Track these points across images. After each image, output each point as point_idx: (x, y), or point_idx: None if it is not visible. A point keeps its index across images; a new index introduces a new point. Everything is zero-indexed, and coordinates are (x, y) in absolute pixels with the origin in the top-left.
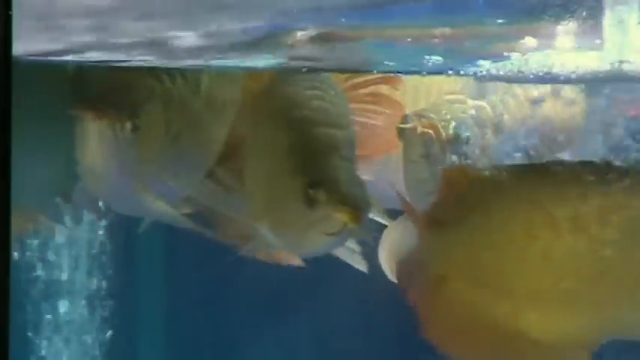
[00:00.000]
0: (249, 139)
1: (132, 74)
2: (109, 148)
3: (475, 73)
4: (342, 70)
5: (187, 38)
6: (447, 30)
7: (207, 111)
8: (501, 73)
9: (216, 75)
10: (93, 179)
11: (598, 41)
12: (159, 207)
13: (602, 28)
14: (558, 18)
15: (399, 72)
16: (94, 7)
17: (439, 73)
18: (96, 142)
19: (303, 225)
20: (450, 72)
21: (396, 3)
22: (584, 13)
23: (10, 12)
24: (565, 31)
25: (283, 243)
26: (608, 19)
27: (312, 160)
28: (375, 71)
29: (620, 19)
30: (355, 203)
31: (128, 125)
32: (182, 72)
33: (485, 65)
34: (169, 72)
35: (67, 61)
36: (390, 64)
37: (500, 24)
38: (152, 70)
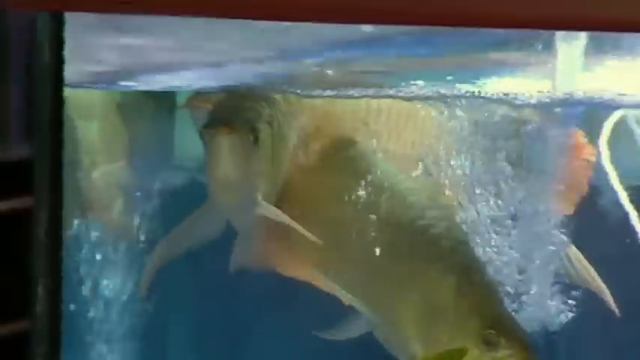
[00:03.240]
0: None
1: (239, 98)
2: (239, 157)
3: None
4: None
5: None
6: (425, 60)
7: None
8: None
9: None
10: (224, 187)
11: (550, 69)
12: (270, 212)
13: (555, 59)
14: (518, 50)
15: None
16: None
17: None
18: (227, 153)
19: None
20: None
21: (387, 38)
22: (539, 47)
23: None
24: (524, 61)
25: None
26: (559, 52)
27: (484, 301)
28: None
29: (569, 53)
30: (528, 344)
31: (251, 138)
32: (282, 98)
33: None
34: (268, 98)
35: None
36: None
37: (471, 54)
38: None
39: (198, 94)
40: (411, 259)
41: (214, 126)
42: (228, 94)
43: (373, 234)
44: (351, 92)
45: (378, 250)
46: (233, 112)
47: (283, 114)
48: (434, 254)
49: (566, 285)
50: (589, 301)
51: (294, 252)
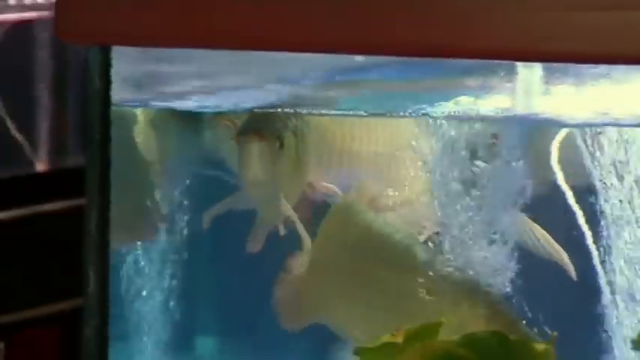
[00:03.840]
0: None
1: (268, 114)
2: (267, 161)
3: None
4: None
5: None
6: (407, 84)
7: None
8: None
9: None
10: (255, 186)
11: (511, 91)
12: (285, 209)
13: (515, 83)
14: (484, 75)
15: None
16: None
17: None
18: (257, 157)
19: None
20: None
21: (378, 65)
22: (502, 73)
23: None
24: (489, 85)
25: None
26: (519, 78)
27: (510, 324)
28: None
29: (527, 79)
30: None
31: (278, 144)
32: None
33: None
34: (293, 114)
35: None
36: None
37: (443, 79)
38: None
39: (229, 114)
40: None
41: (247, 134)
42: (260, 110)
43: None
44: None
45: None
46: (263, 123)
47: (307, 127)
48: (461, 292)
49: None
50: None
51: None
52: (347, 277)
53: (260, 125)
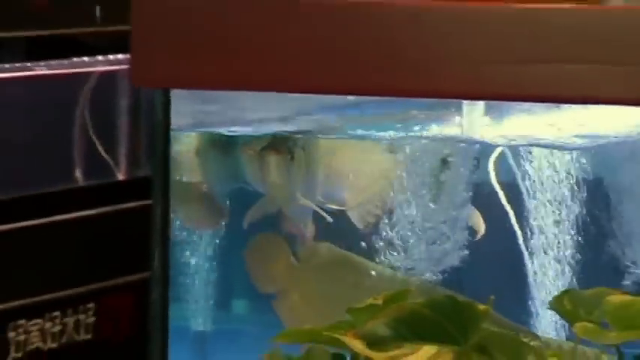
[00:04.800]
0: None
1: (284, 136)
2: (282, 169)
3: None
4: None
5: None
6: (384, 117)
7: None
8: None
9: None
10: (275, 188)
11: (459, 121)
12: (304, 202)
13: (462, 115)
14: (443, 108)
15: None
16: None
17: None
18: (274, 167)
19: None
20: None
21: (367, 102)
22: (453, 109)
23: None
24: (444, 117)
25: None
26: (464, 110)
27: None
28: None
29: (471, 112)
30: None
31: (289, 157)
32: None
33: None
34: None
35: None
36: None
37: (412, 112)
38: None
39: (257, 138)
40: None
41: (267, 150)
42: (279, 134)
43: None
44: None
45: None
46: (278, 143)
47: (313, 145)
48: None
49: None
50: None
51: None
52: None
53: (276, 144)
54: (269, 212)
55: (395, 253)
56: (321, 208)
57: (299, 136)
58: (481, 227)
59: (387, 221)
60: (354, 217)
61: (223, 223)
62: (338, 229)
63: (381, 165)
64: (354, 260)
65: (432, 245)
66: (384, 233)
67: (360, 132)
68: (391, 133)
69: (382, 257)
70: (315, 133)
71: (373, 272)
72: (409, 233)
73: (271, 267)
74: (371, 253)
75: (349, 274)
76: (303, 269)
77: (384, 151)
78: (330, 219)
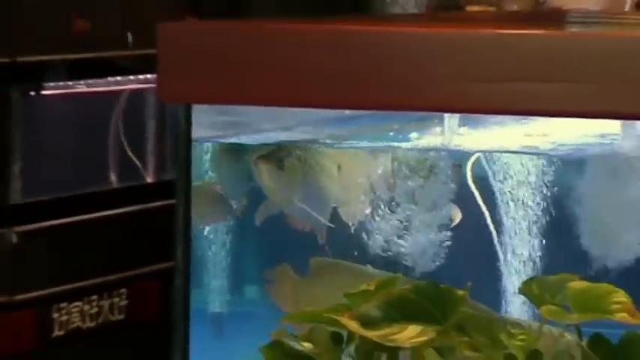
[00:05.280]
0: None
1: (279, 147)
2: (273, 177)
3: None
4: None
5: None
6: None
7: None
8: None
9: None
10: (270, 193)
11: (440, 132)
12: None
13: (443, 126)
14: (423, 120)
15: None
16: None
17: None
18: (266, 175)
19: None
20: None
21: (358, 116)
22: (436, 120)
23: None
24: (427, 128)
25: None
26: (445, 122)
27: None
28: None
29: (451, 123)
30: None
31: (279, 165)
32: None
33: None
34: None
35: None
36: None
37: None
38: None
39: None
40: None
41: (258, 160)
42: (281, 144)
43: None
44: (347, 145)
45: None
46: (269, 153)
47: (309, 154)
48: None
49: None
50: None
51: None
52: None
53: (268, 153)
54: (273, 212)
55: (383, 249)
56: (314, 211)
57: (299, 145)
58: (457, 218)
59: (374, 219)
60: (345, 214)
61: (237, 217)
62: (332, 229)
63: (370, 170)
64: (346, 265)
65: (417, 239)
66: (373, 231)
67: (355, 142)
68: (382, 142)
69: (371, 252)
70: (314, 143)
71: (363, 273)
72: (396, 230)
73: (282, 293)
74: (361, 249)
75: (342, 277)
76: (305, 283)
77: (374, 157)
78: (323, 220)
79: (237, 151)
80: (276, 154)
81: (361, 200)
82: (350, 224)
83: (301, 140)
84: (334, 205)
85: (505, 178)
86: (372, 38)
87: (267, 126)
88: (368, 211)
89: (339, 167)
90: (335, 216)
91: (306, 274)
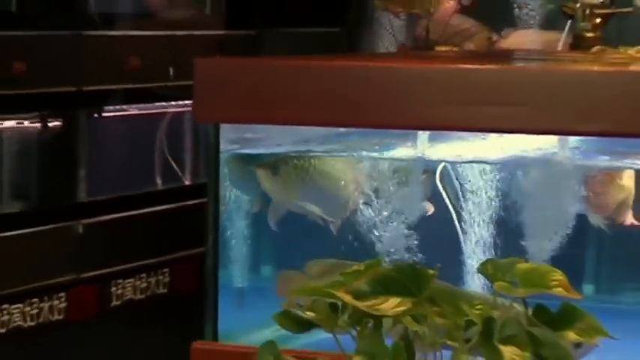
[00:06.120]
0: None
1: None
2: (268, 181)
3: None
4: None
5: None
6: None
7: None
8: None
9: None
10: (270, 194)
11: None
12: (305, 207)
13: (416, 140)
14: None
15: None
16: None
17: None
18: (263, 180)
19: None
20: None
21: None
22: (411, 136)
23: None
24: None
25: None
26: (418, 137)
27: None
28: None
29: (423, 138)
30: None
31: (273, 172)
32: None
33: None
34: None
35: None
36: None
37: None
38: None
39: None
40: None
41: (258, 167)
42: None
43: None
44: (340, 154)
45: None
46: (266, 160)
47: (307, 162)
48: None
49: None
50: None
51: None
52: None
53: (263, 162)
54: (281, 212)
55: (366, 238)
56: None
57: (293, 155)
58: (430, 211)
59: (359, 215)
60: (333, 209)
61: (253, 213)
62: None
63: (355, 174)
64: (339, 262)
65: (397, 230)
66: (357, 223)
67: (346, 152)
68: (366, 153)
69: (357, 241)
70: (312, 153)
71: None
72: (377, 223)
73: (287, 291)
74: (348, 238)
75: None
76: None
77: (360, 165)
78: (320, 214)
79: (246, 160)
80: (271, 163)
81: (351, 199)
82: (339, 220)
83: (294, 151)
84: (325, 203)
85: (465, 182)
86: (364, 72)
87: (269, 141)
88: (355, 207)
89: (328, 173)
90: (325, 212)
91: (311, 260)
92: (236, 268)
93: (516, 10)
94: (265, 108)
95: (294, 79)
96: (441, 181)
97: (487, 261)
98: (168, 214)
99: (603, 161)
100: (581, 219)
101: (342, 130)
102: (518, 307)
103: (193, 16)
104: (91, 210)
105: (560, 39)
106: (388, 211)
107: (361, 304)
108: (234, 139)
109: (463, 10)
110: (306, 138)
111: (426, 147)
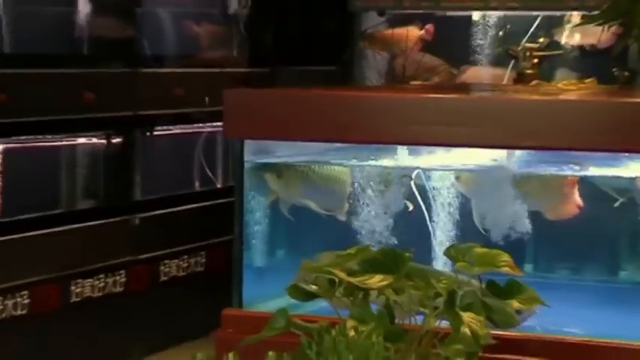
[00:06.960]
0: None
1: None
2: (274, 183)
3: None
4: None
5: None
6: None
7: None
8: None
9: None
10: (278, 192)
11: (396, 156)
12: (304, 202)
13: (396, 152)
14: (387, 151)
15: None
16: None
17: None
18: (271, 181)
19: None
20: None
21: (344, 147)
22: (392, 149)
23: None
24: (386, 155)
25: None
26: (398, 150)
27: None
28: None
29: (402, 151)
30: None
31: (278, 175)
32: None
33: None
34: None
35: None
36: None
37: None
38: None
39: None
40: None
41: (266, 171)
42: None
43: None
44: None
45: None
46: (272, 167)
47: (310, 170)
48: None
49: None
50: None
51: None
52: None
53: (270, 168)
54: (288, 205)
55: (356, 230)
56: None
57: (303, 164)
58: (410, 207)
59: (351, 212)
60: (327, 205)
61: (269, 207)
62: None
63: (347, 179)
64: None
65: (380, 225)
66: (349, 219)
67: (339, 161)
68: (356, 161)
69: (348, 232)
70: (311, 162)
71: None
72: (364, 218)
73: None
74: (343, 230)
75: None
76: None
77: (351, 171)
78: (316, 208)
79: (263, 167)
80: (276, 168)
81: (343, 198)
82: (333, 213)
83: (299, 161)
84: (322, 202)
85: (435, 185)
86: (354, 100)
87: (279, 153)
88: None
89: (324, 177)
90: (321, 207)
91: (314, 245)
92: (257, 252)
93: (471, 51)
94: (279, 128)
95: (301, 106)
96: (415, 183)
97: (451, 246)
98: (204, 209)
99: (540, 169)
100: (523, 214)
101: (337, 144)
102: (475, 282)
103: (224, 56)
104: (145, 207)
105: (506, 74)
106: (374, 207)
107: (353, 280)
108: (255, 152)
109: (424, 46)
110: (309, 150)
111: (404, 158)
